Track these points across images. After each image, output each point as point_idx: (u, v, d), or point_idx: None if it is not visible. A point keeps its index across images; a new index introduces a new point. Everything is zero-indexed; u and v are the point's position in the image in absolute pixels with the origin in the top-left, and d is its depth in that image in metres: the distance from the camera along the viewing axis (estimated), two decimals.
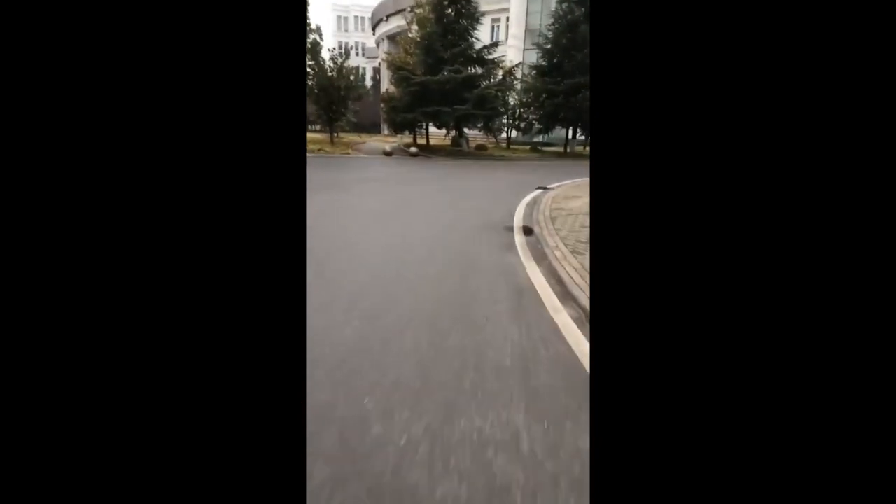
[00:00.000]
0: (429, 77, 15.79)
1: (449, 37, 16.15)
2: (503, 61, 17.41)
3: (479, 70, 16.78)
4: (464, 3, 15.95)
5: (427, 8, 16.58)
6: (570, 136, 20.06)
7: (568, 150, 19.91)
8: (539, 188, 8.10)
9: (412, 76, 16.09)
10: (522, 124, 21.31)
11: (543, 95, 18.47)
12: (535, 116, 20.14)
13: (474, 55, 16.73)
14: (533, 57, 19.82)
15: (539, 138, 22.38)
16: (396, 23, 30.50)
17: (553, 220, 4.88)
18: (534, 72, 18.96)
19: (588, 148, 21.20)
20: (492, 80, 16.95)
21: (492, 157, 16.51)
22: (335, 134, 18.96)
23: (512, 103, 19.38)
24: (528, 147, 21.16)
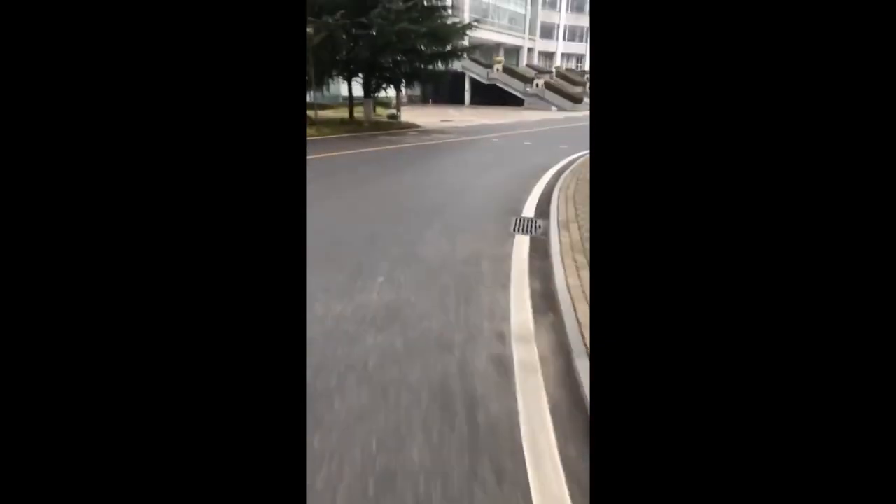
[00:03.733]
0: None
1: None
2: None
3: None
4: None
5: None
6: (368, 90, 12.71)
7: (355, 114, 12.90)
8: None
9: None
10: None
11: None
12: None
13: None
14: None
15: (309, 97, 14.47)
16: None
17: None
18: None
19: (392, 108, 14.60)
20: None
21: None
22: None
23: None
24: None
